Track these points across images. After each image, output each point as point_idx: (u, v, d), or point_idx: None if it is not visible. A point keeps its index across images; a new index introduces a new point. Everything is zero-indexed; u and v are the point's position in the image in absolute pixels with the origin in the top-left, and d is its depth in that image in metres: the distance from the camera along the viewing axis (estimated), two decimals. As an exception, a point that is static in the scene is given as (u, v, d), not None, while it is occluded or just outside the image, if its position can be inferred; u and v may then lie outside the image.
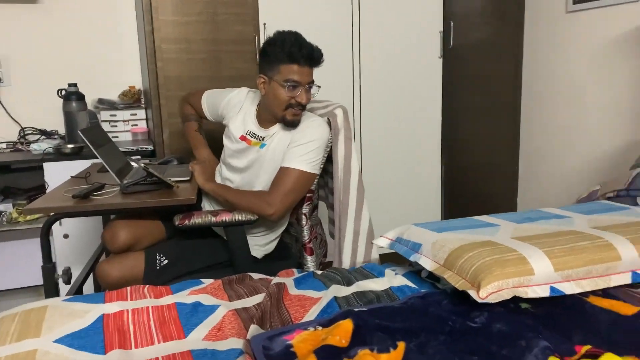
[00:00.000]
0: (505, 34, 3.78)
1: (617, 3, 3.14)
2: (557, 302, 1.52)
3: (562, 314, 1.47)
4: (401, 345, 1.31)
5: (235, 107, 2.47)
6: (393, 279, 1.81)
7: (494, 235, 1.78)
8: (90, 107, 3.57)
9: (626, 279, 1.59)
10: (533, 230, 1.83)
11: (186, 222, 2.22)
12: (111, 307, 1.57)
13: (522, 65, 3.80)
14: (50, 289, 2.22)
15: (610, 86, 3.28)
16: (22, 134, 3.61)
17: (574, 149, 3.57)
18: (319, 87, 2.24)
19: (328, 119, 2.32)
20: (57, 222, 3.04)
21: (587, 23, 3.39)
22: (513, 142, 3.90)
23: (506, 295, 1.48)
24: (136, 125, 3.70)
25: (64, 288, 2.44)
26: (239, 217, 2.26)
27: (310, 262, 2.50)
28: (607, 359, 1.15)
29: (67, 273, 2.37)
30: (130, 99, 3.70)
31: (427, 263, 1.73)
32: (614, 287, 1.60)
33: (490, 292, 1.47)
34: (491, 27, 3.86)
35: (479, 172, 4.07)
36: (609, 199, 2.37)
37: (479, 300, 1.46)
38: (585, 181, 3.43)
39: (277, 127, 2.35)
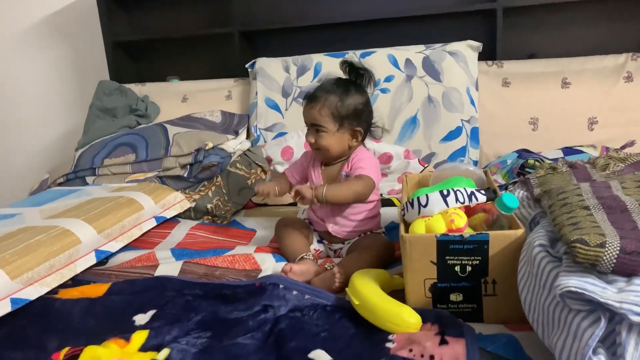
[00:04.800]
0: None
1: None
2: (24, 313, 0.95)
3: (31, 324, 0.93)
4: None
5: None
6: None
7: None
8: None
9: (91, 260, 1.12)
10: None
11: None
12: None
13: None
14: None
15: (37, 77, 2.46)
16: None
17: (18, 144, 2.55)
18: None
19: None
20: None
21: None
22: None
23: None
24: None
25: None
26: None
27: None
28: (88, 353, 0.79)
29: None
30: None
31: None
32: (84, 272, 1.11)
33: None
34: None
35: None
36: (60, 184, 1.68)
37: None
38: (37, 173, 2.40)
39: None
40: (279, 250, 1.24)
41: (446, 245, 0.84)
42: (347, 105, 1.17)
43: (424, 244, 0.85)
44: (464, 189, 0.91)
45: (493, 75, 1.86)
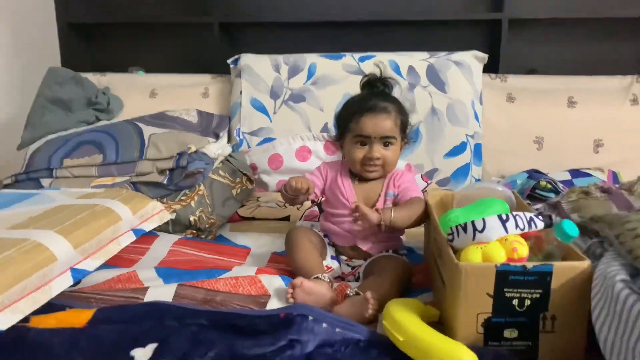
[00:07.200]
0: None
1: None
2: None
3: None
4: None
5: None
6: None
7: None
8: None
9: (68, 281, 0.98)
10: None
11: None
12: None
13: None
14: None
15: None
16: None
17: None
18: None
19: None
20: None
21: None
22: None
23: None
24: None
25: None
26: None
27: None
28: None
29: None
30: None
31: None
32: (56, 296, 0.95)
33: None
34: None
35: None
36: (6, 186, 1.51)
37: None
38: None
39: None
40: (284, 271, 1.18)
41: (506, 276, 0.82)
42: (406, 115, 1.22)
43: (482, 275, 0.82)
44: (523, 213, 0.89)
45: (497, 89, 1.89)
